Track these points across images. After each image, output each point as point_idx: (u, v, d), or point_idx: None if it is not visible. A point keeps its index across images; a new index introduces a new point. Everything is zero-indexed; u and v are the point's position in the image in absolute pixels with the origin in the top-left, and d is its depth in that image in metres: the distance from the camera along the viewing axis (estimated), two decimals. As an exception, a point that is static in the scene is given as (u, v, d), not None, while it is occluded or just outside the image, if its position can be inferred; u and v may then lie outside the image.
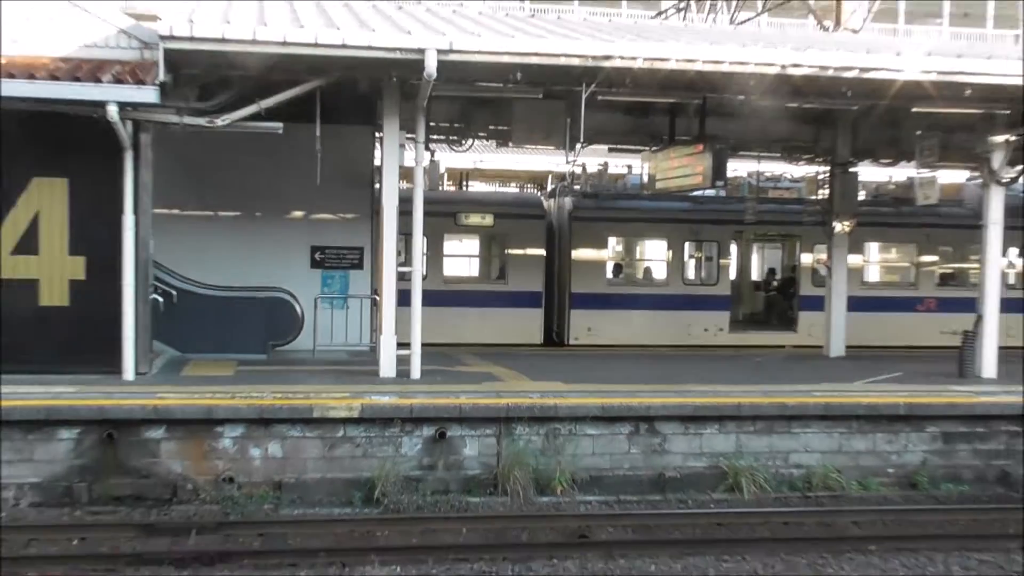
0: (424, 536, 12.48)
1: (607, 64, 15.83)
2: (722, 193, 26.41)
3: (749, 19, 28.98)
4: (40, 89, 14.86)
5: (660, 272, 26.16)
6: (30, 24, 16.25)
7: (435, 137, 21.87)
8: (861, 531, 13.20)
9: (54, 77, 15.10)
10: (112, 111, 14.93)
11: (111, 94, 14.98)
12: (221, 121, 16.16)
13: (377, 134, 19.01)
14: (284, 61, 15.38)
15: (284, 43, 14.89)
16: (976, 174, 20.92)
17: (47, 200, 16.22)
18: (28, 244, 16.19)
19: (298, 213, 21.22)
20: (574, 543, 12.34)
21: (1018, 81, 16.61)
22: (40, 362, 15.73)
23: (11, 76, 14.80)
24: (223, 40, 14.68)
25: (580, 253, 25.09)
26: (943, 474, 15.85)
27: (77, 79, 15.12)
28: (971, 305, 20.66)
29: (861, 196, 25.80)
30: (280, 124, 16.44)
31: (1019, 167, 19.20)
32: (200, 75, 16.26)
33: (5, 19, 15.87)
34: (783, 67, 16.30)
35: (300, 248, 21.04)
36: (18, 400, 13.75)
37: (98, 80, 15.16)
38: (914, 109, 18.49)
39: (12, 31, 16.07)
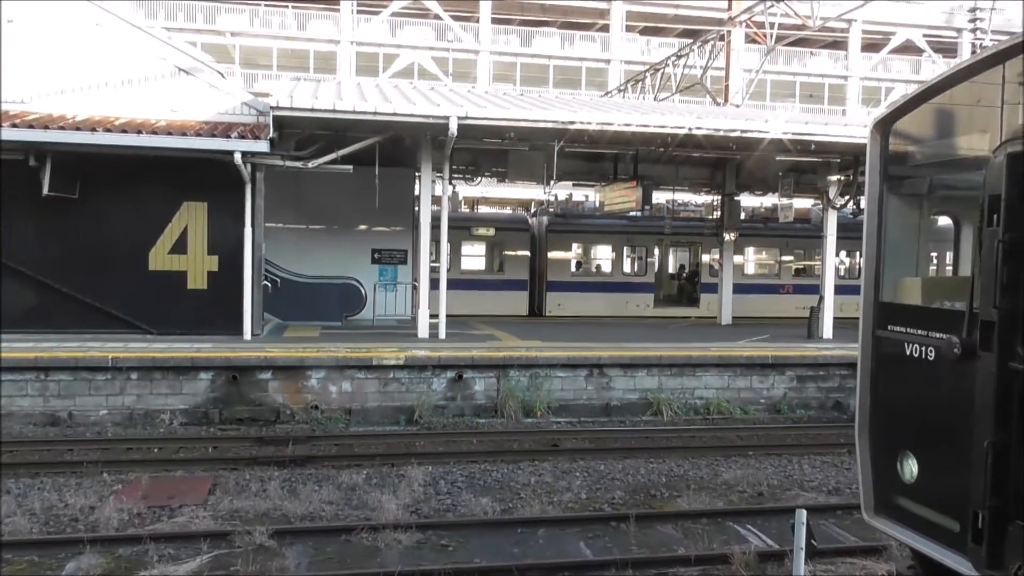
0: (448, 445, 12.31)
1: (571, 127, 15.66)
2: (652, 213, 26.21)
3: (667, 97, 28.64)
4: (190, 143, 14.75)
5: (607, 267, 25.98)
6: (185, 98, 16.10)
7: (456, 175, 21.63)
8: (743, 442, 13.05)
9: (199, 134, 14.96)
10: (237, 157, 14.80)
11: (237, 146, 14.88)
12: (311, 164, 16.00)
13: (416, 173, 18.84)
14: (353, 124, 15.23)
15: (353, 112, 14.76)
16: (818, 202, 20.75)
17: (193, 217, 16.03)
18: (180, 246, 16.02)
19: (363, 226, 21.00)
20: (549, 450, 12.18)
21: (843, 140, 16.59)
22: (187, 327, 15.54)
23: (170, 134, 14.70)
24: (312, 110, 14.57)
25: (553, 254, 24.95)
26: (797, 403, 15.69)
27: (214, 135, 15.00)
28: (815, 289, 20.52)
29: (742, 216, 25.61)
30: (351, 167, 16.32)
31: (847, 197, 19.03)
32: (297, 133, 16.10)
33: (170, 95, 15.76)
34: (690, 129, 16.14)
35: (364, 250, 20.86)
36: (172, 352, 13.57)
37: (228, 136, 15.04)
38: (777, 158, 18.28)
39: (172, 103, 15.93)
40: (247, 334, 15.66)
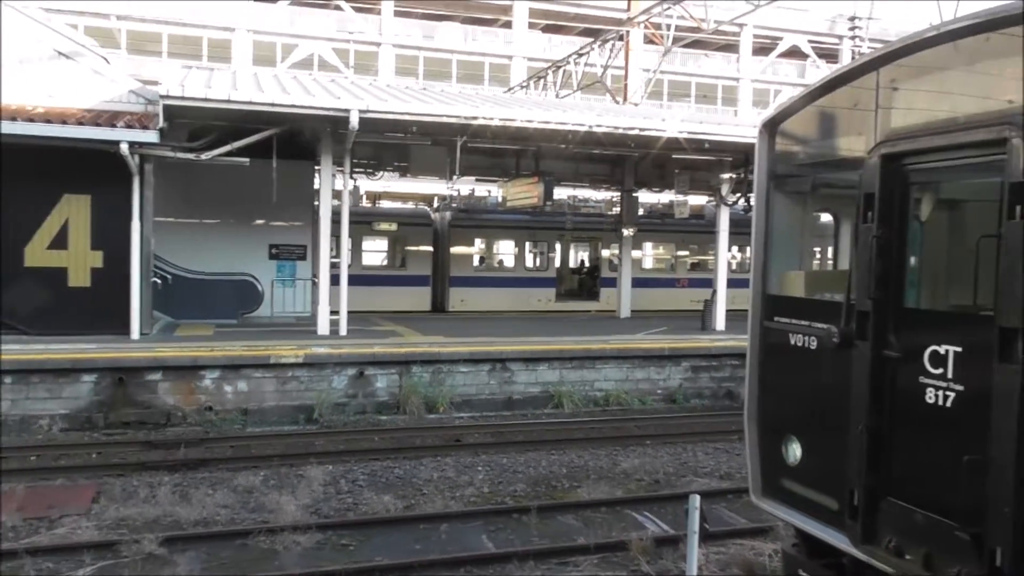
0: (349, 444, 12.14)
1: (474, 122, 15.68)
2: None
3: (568, 94, 29.04)
4: (71, 131, 13.97)
5: (510, 262, 26.14)
6: (65, 84, 15.20)
7: (357, 169, 21.31)
8: (640, 431, 13.40)
9: (80, 123, 14.19)
10: (124, 148, 14.17)
11: (123, 135, 14.23)
12: (204, 156, 15.43)
13: (316, 167, 18.42)
14: (250, 116, 14.75)
15: (250, 103, 14.32)
16: (712, 198, 21.48)
17: (75, 210, 15.21)
18: (60, 242, 15.17)
19: (260, 221, 20.37)
20: (452, 445, 12.18)
21: (734, 139, 17.21)
22: (68, 327, 14.72)
23: (48, 122, 13.86)
24: (205, 100, 14.01)
25: (456, 249, 24.91)
26: (692, 393, 16.23)
27: (98, 124, 14.28)
28: (709, 283, 21.25)
29: (641, 212, 26.24)
30: (247, 159, 15.81)
31: (738, 194, 19.78)
32: (189, 123, 15.48)
33: (48, 80, 14.83)
34: (590, 126, 16.41)
35: (261, 245, 20.21)
36: (52, 353, 12.84)
37: (114, 125, 14.34)
38: (674, 156, 18.81)
39: (50, 89, 15.00)
40: (135, 333, 14.98)
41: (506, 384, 15.05)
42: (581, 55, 28.51)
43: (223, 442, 11.95)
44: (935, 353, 4.07)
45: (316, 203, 18.43)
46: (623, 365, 15.83)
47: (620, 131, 16.83)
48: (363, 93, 16.55)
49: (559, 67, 30.19)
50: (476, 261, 25.79)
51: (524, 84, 34.66)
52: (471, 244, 25.49)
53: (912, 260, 4.72)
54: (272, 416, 13.43)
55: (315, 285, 18.60)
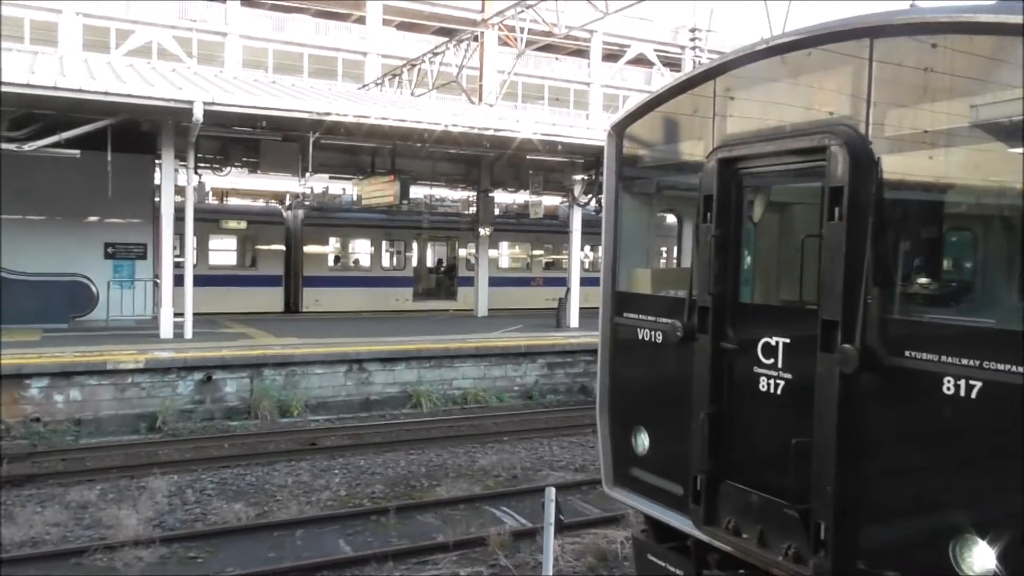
0: (196, 452, 11.57)
1: (327, 118, 15.32)
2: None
3: (424, 93, 28.93)
4: None
5: (366, 261, 25.74)
6: None
7: (202, 164, 20.31)
8: (498, 428, 13.58)
9: None
10: (-70, 136, 12.74)
11: (-71, 122, 12.80)
12: (28, 147, 14.20)
13: (157, 161, 17.41)
14: (80, 105, 13.71)
15: (80, 91, 13.30)
16: (565, 199, 22.07)
17: None
18: None
19: (93, 218, 19.03)
20: (307, 449, 11.87)
21: (586, 142, 17.74)
22: None
23: None
24: (28, 86, 12.89)
25: (310, 248, 24.25)
26: (548, 389, 16.61)
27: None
28: (563, 282, 21.84)
29: (497, 212, 26.58)
30: (78, 151, 14.72)
31: (590, 195, 20.41)
32: (11, 111, 14.16)
33: None
34: (446, 126, 16.44)
35: (95, 244, 18.91)
36: None
37: (-83, 111, 12.91)
38: (528, 156, 19.18)
39: None
40: (-52, 340, 13.62)
41: (363, 385, 14.83)
42: (436, 54, 28.48)
43: (53, 456, 11.07)
44: (767, 345, 4.38)
45: (157, 199, 17.45)
46: (481, 363, 15.98)
47: (475, 131, 16.97)
48: (208, 84, 15.83)
49: (414, 65, 30.02)
50: (331, 260, 25.22)
51: (379, 81, 34.22)
52: (325, 243, 24.91)
53: (747, 258, 5.04)
54: (110, 426, 12.57)
55: (157, 286, 17.59)
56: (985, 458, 3.41)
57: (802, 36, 4.23)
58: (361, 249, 25.86)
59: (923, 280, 4.34)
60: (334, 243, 25.39)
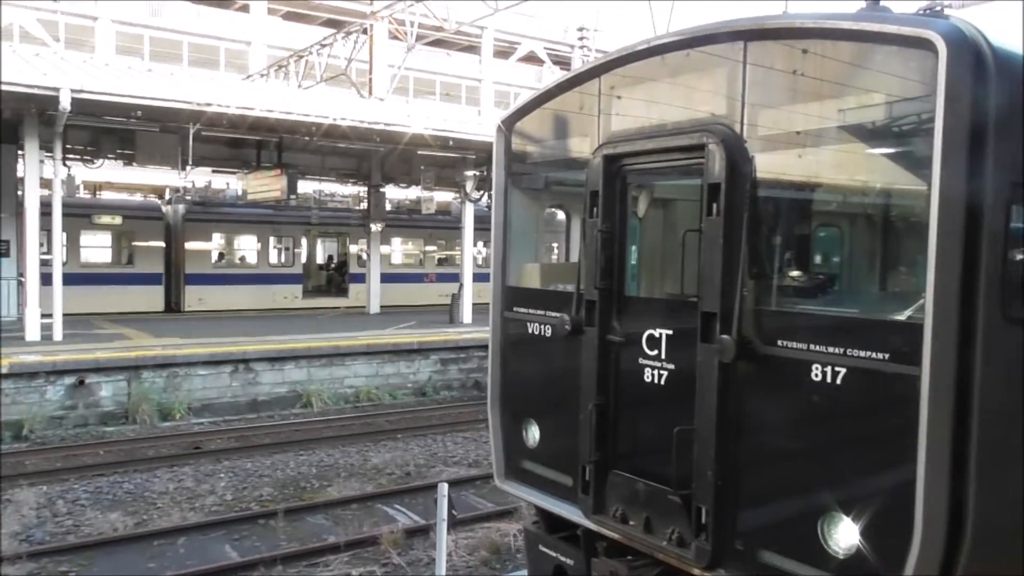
0: (67, 460, 10.93)
1: (208, 109, 14.72)
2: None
3: (312, 86, 28.23)
4: None
5: (252, 258, 24.95)
6: None
7: (71, 156, 19.10)
8: (392, 426, 13.46)
9: None
10: None
11: None
12: None
13: (20, 152, 16.27)
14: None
15: (-72, 74, 12.25)
16: (458, 195, 22.07)
17: None
18: None
19: (-52, 213, 17.65)
20: (190, 453, 11.42)
21: (477, 138, 17.76)
22: None
23: None
24: None
25: (192, 245, 23.30)
26: (441, 385, 16.58)
27: None
28: (456, 278, 21.82)
29: (388, 207, 26.31)
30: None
31: (482, 191, 20.49)
32: None
33: None
34: (334, 119, 16.12)
35: (-50, 241, 17.54)
36: None
37: None
38: (420, 152, 19.06)
39: None
40: None
41: (250, 385, 14.37)
42: (324, 46, 27.83)
43: (-97, 471, 10.20)
44: (651, 336, 4.51)
45: (20, 192, 16.32)
46: (373, 361, 15.78)
47: (365, 125, 16.71)
48: (77, 71, 14.91)
49: (301, 57, 29.23)
50: (215, 257, 24.31)
51: (264, 72, 33.15)
52: (209, 239, 23.99)
53: (632, 253, 5.18)
54: (-31, 436, 11.71)
55: (22, 285, 16.45)
56: (849, 440, 3.63)
57: (680, 37, 4.37)
58: (247, 245, 25.06)
59: (794, 273, 4.58)
60: (218, 239, 24.50)
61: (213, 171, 24.60)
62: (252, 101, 15.42)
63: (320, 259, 28.94)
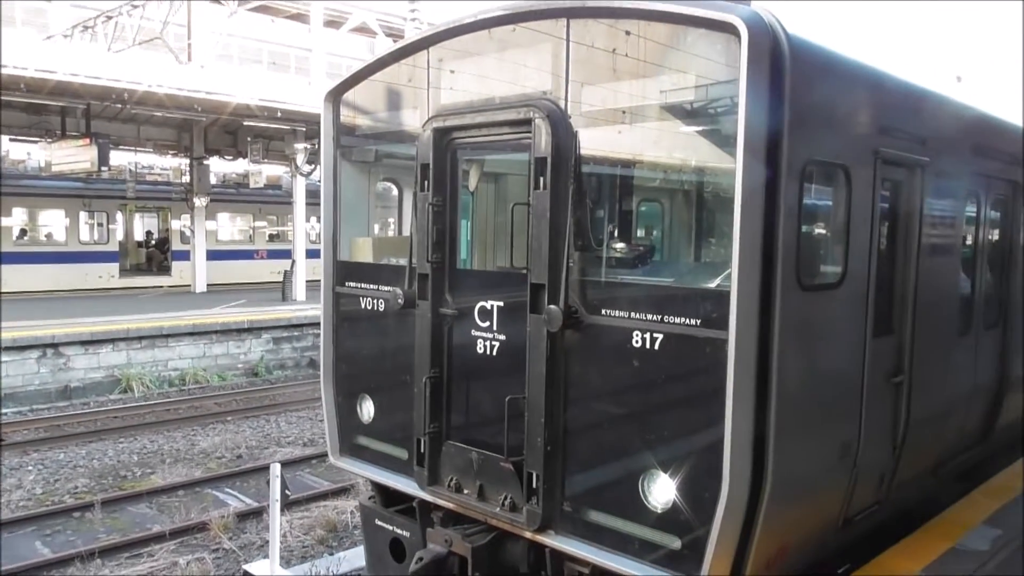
0: None
1: (1, 71, 13.20)
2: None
3: (123, 50, 26.06)
4: None
5: (60, 235, 22.80)
6: None
7: None
8: (220, 408, 12.86)
9: None
10: None
11: None
12: None
13: None
14: None
15: None
16: (288, 168, 21.25)
17: None
18: None
19: None
20: (-10, 448, 10.35)
21: (306, 109, 17.05)
22: None
23: None
24: None
25: (-12, 220, 20.94)
26: (275, 364, 16.02)
27: None
28: (289, 254, 21.06)
29: (214, 181, 24.93)
30: None
31: (314, 165, 19.84)
32: None
33: None
34: (149, 86, 14.98)
35: None
36: None
37: None
38: (246, 123, 18.15)
39: None
40: None
41: (61, 371, 13.23)
42: (136, 6, 25.72)
43: None
44: (483, 308, 4.54)
45: None
46: (200, 341, 14.96)
47: (184, 94, 15.64)
48: None
49: (110, 17, 26.88)
50: (16, 234, 22.03)
51: (67, 33, 30.22)
52: (8, 214, 21.67)
53: (464, 226, 5.18)
54: None
55: None
56: (666, 402, 3.83)
57: (506, 12, 4.38)
58: (53, 221, 22.89)
59: (617, 245, 4.75)
60: (19, 215, 22.22)
61: (10, 139, 22.11)
62: (54, 64, 13.98)
63: (139, 236, 27.01)
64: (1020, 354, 6.32)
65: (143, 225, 27.45)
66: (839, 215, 4.12)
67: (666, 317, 3.72)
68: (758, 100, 3.45)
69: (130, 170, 25.78)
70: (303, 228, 20.34)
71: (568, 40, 4.10)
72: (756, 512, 3.60)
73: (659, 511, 3.79)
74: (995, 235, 6.07)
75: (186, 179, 22.70)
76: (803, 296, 3.79)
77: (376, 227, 6.84)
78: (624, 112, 4.16)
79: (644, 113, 4.13)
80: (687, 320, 3.65)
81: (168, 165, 28.12)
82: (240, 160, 23.97)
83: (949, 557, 4.44)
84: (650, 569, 3.81)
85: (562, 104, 4.13)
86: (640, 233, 5.30)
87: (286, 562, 6.74)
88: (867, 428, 4.33)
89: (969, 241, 5.63)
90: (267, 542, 6.63)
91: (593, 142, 4.24)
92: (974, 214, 5.62)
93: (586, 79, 4.15)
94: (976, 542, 4.65)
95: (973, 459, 6.04)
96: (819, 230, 4.33)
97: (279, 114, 17.14)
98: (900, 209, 4.69)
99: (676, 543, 3.75)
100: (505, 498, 4.35)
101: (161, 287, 23.20)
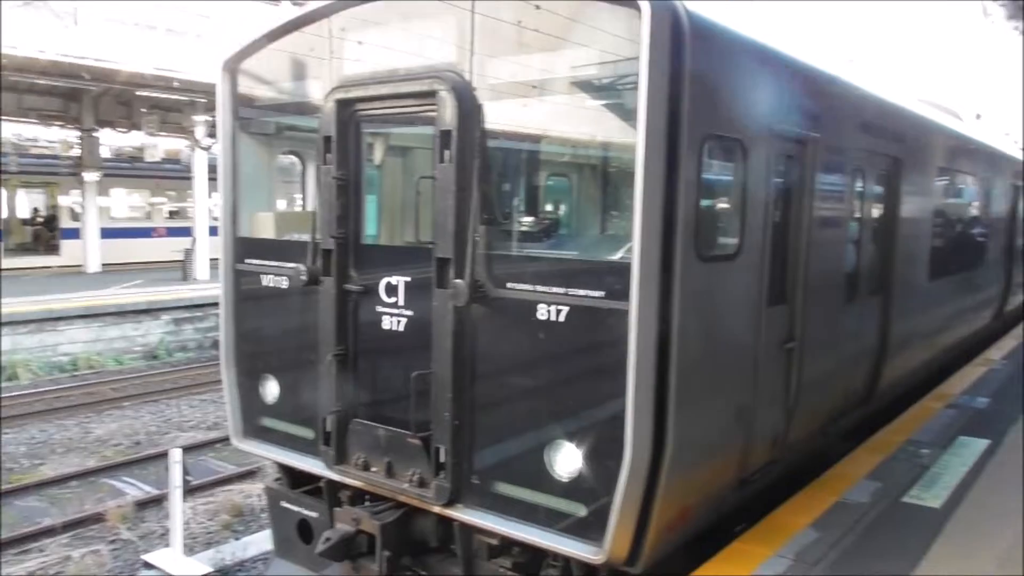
0: None
1: None
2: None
3: None
4: None
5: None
6: None
7: None
8: (118, 393, 12.35)
9: None
10: None
11: None
12: None
13: None
14: None
15: None
16: (188, 142, 20.44)
17: None
18: None
19: None
20: None
21: (205, 79, 16.32)
22: None
23: None
24: None
25: None
26: (176, 346, 15.49)
27: None
28: (189, 232, 20.30)
29: (107, 154, 23.75)
30: None
31: (215, 139, 19.13)
32: None
33: None
34: (30, 54, 14.10)
35: None
36: None
37: None
38: (140, 93, 17.33)
39: None
40: None
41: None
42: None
43: None
44: (389, 284, 4.51)
45: None
46: (93, 324, 14.30)
47: (71, 59, 14.77)
48: None
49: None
50: None
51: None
52: None
53: (371, 201, 5.11)
54: None
55: None
56: (571, 373, 3.90)
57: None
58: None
59: (523, 219, 4.79)
60: None
61: None
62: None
63: (24, 213, 25.52)
64: (900, 319, 6.72)
65: (29, 202, 25.95)
66: (736, 189, 4.27)
67: (571, 290, 3.79)
68: (658, 75, 3.52)
69: (12, 142, 24.23)
70: (205, 204, 19.61)
71: (473, 12, 4.08)
72: (657, 477, 3.73)
73: (565, 480, 3.88)
74: (878, 207, 6.42)
75: (75, 152, 21.49)
76: (702, 267, 3.92)
77: (285, 203, 6.69)
78: (529, 86, 4.18)
79: (549, 87, 4.16)
80: (591, 292, 3.73)
81: (55, 137, 26.52)
82: (135, 133, 22.91)
83: (835, 510, 4.73)
84: (557, 537, 3.90)
85: (467, 76, 4.12)
86: (547, 207, 5.35)
87: (189, 549, 6.57)
88: (761, 392, 4.53)
89: (855, 213, 5.94)
90: (169, 530, 6.45)
91: (499, 115, 4.24)
92: (860, 188, 5.92)
93: (492, 52, 4.15)
94: (859, 495, 4.97)
95: (858, 418, 6.42)
96: (717, 203, 4.48)
97: (176, 84, 16.42)
98: (793, 183, 4.89)
99: (582, 511, 3.85)
100: (413, 474, 4.35)
101: (50, 267, 22.03)
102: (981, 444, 6.01)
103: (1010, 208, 11.30)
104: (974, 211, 10.06)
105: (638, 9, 3.50)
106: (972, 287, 9.93)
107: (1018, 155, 13.36)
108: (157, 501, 7.58)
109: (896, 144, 6.46)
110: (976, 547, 4.25)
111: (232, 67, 5.36)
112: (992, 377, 8.40)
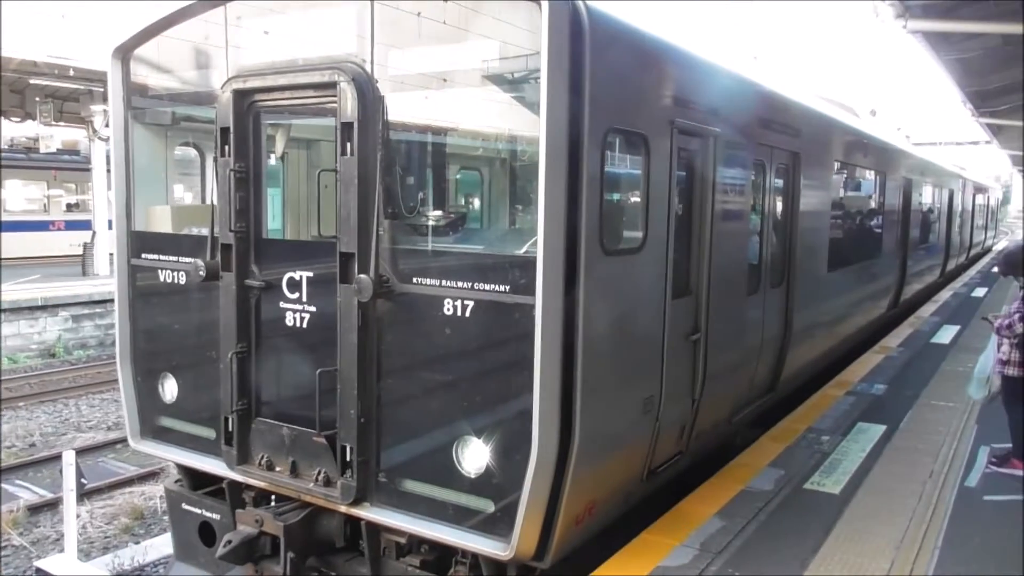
0: None
1: None
2: None
3: None
4: None
5: None
6: None
7: None
8: (11, 393, 11.61)
9: None
10: None
11: None
12: None
13: None
14: None
15: None
16: (86, 132, 19.48)
17: None
18: None
19: None
20: None
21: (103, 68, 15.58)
22: None
23: None
24: None
25: None
26: (75, 344, 14.77)
27: None
28: (89, 225, 19.36)
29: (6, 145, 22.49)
30: None
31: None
32: None
33: None
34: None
35: None
36: None
37: None
38: (34, 81, 16.41)
39: None
40: None
41: None
42: None
43: None
44: (292, 280, 4.37)
45: None
46: (-17, 322, 13.51)
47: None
48: None
49: None
50: None
51: None
52: None
53: (273, 194, 4.95)
54: None
55: None
56: (478, 369, 3.87)
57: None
58: None
59: (428, 213, 4.72)
60: None
61: None
62: None
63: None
64: (802, 310, 6.95)
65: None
66: (640, 182, 4.31)
67: (476, 284, 3.75)
68: (559, 69, 3.51)
69: None
70: (104, 197, 18.72)
71: (373, 1, 3.98)
72: (565, 471, 3.74)
73: (473, 477, 3.84)
74: (779, 201, 6.61)
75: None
76: (607, 261, 3.94)
77: (190, 197, 6.43)
78: (433, 78, 4.11)
79: (452, 79, 4.09)
80: (496, 287, 3.70)
81: (-60, 126, 24.91)
82: (29, 122, 21.68)
83: (740, 499, 4.84)
84: (465, 534, 3.86)
85: (368, 68, 4.02)
86: (452, 201, 5.29)
87: (85, 555, 6.27)
88: (668, 384, 4.60)
89: (757, 206, 6.10)
90: (63, 535, 6.13)
91: (402, 108, 4.17)
92: (761, 181, 6.08)
93: (393, 42, 4.06)
94: (762, 483, 5.10)
95: (763, 407, 6.61)
96: (621, 197, 4.51)
97: (72, 72, 15.60)
98: (695, 177, 4.98)
99: (490, 507, 3.82)
100: (319, 473, 4.25)
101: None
102: (878, 430, 6.28)
103: (904, 201, 11.84)
104: (871, 204, 10.50)
105: (538, 3, 3.48)
106: (870, 277, 10.37)
107: (910, 150, 14.03)
108: (52, 505, 7.20)
109: (795, 139, 6.65)
110: (873, 532, 4.43)
111: (124, 54, 5.11)
112: (888, 364, 8.78)
